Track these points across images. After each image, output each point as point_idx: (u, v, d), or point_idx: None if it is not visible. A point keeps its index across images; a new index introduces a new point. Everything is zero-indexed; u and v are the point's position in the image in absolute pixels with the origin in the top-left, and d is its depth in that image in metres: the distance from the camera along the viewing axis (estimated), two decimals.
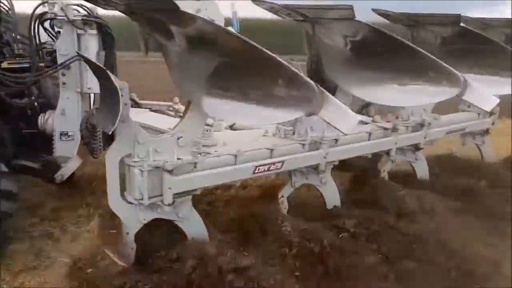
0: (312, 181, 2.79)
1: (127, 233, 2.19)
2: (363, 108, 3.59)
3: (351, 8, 2.15)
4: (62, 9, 2.68)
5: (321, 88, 1.84)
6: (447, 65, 2.24)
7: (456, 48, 2.95)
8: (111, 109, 1.87)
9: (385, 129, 3.01)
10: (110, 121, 1.82)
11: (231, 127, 3.16)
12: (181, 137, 2.11)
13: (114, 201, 2.12)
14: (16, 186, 2.52)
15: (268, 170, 2.42)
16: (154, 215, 2.20)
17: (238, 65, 1.84)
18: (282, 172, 2.59)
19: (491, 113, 3.78)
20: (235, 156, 2.32)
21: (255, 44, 1.73)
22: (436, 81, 2.29)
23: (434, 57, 2.24)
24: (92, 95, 3.02)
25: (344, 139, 2.80)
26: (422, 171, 3.44)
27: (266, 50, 1.73)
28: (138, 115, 2.92)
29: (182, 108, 3.49)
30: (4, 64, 2.86)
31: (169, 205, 2.12)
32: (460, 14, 2.77)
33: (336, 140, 2.73)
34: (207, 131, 2.43)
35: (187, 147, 2.14)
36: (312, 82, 1.83)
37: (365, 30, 2.30)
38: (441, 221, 2.68)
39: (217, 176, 2.28)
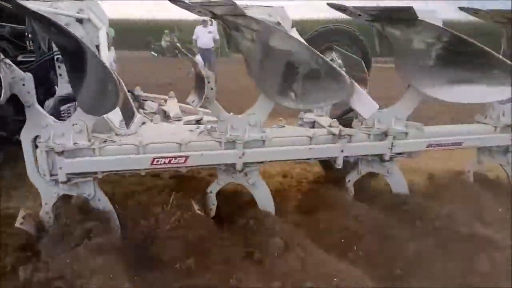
0: (238, 180, 2.75)
1: (46, 204, 2.56)
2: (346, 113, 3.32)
3: (231, 3, 2.08)
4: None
5: None
6: (336, 66, 1.98)
7: (421, 47, 2.52)
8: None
9: (333, 134, 2.75)
10: None
11: (198, 122, 3.29)
12: (76, 124, 2.36)
13: (31, 175, 2.49)
14: None
15: (169, 163, 2.51)
16: (64, 191, 2.52)
17: None
18: (189, 167, 2.62)
19: (506, 127, 3.07)
20: (138, 146, 2.48)
21: None
22: (326, 84, 2.04)
23: (323, 57, 2.01)
24: None
25: (276, 141, 2.69)
26: (397, 186, 3.00)
27: None
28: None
29: (172, 100, 3.77)
30: (19, 58, 3.54)
31: (63, 183, 2.40)
32: (412, 6, 2.36)
33: (264, 141, 2.65)
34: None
35: (83, 133, 2.38)
36: None
37: (258, 27, 2.19)
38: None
39: (114, 163, 2.46)
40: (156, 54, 21.71)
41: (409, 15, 2.39)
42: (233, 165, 2.64)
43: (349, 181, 3.04)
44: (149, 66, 15.35)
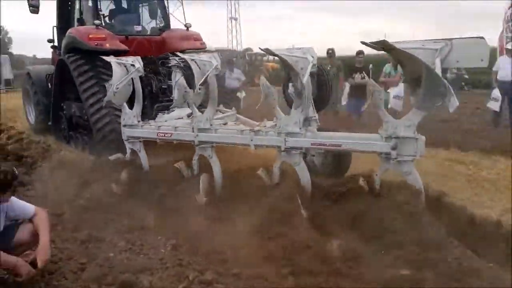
0: (202, 152, 4.62)
1: (127, 153, 5.26)
2: None
3: None
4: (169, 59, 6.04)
5: None
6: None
7: None
8: None
9: (249, 130, 4.24)
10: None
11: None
12: (131, 112, 4.97)
13: (123, 137, 5.25)
14: None
15: (164, 136, 4.73)
16: (130, 146, 5.14)
17: None
18: (174, 139, 4.70)
19: (389, 137, 3.57)
20: (155, 126, 4.85)
21: None
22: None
23: None
24: None
25: (220, 131, 4.46)
26: (302, 178, 4.01)
27: None
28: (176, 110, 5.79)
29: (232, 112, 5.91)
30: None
31: (126, 140, 5.04)
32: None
33: (212, 130, 4.47)
34: (160, 114, 5.10)
35: (135, 118, 4.96)
36: None
37: None
38: None
39: (144, 133, 4.91)
40: None
41: None
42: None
43: (275, 167, 4.33)
44: None
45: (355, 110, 8.96)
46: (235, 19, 57.32)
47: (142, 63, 4.78)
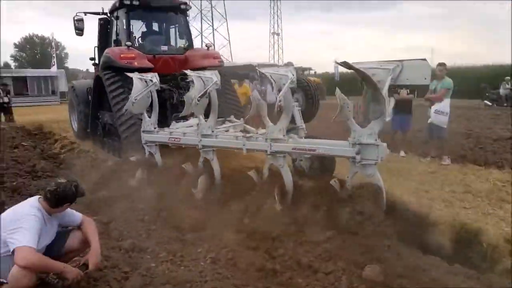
0: (205, 155, 5.36)
1: (148, 153, 6.11)
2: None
3: None
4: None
5: None
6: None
7: None
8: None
9: (242, 136, 4.94)
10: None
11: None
12: (149, 120, 5.82)
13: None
14: None
15: (174, 140, 5.53)
16: (148, 149, 5.99)
17: None
18: (182, 144, 5.48)
19: (354, 144, 4.11)
20: (167, 132, 5.67)
21: None
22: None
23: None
24: None
25: (219, 136, 5.20)
26: (285, 179, 4.63)
27: None
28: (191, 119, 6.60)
29: (240, 122, 6.64)
30: None
31: (144, 144, 5.90)
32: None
33: (213, 136, 5.21)
34: (175, 122, 5.93)
35: (152, 125, 5.81)
36: None
37: None
38: None
39: (158, 138, 5.74)
40: (490, 103, 19.15)
41: None
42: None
43: (264, 168, 4.97)
44: (482, 115, 14.53)
45: (401, 126, 8.62)
46: (278, 34, 58.57)
47: (158, 79, 5.64)
